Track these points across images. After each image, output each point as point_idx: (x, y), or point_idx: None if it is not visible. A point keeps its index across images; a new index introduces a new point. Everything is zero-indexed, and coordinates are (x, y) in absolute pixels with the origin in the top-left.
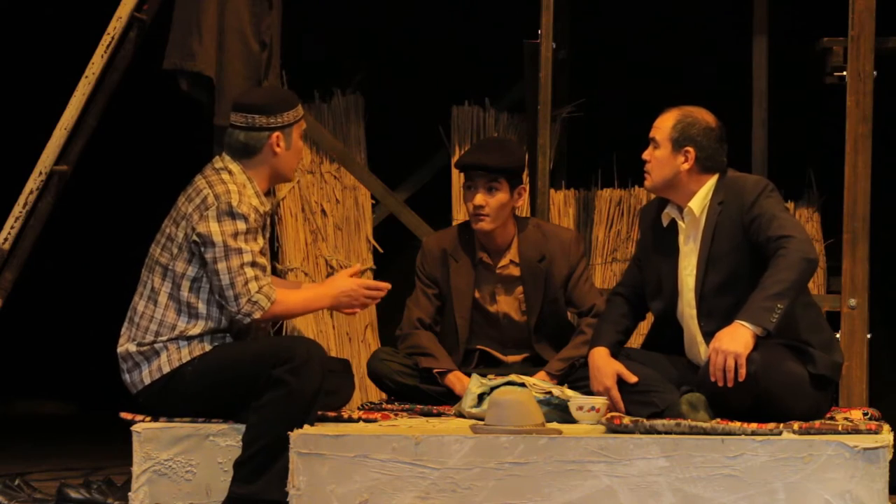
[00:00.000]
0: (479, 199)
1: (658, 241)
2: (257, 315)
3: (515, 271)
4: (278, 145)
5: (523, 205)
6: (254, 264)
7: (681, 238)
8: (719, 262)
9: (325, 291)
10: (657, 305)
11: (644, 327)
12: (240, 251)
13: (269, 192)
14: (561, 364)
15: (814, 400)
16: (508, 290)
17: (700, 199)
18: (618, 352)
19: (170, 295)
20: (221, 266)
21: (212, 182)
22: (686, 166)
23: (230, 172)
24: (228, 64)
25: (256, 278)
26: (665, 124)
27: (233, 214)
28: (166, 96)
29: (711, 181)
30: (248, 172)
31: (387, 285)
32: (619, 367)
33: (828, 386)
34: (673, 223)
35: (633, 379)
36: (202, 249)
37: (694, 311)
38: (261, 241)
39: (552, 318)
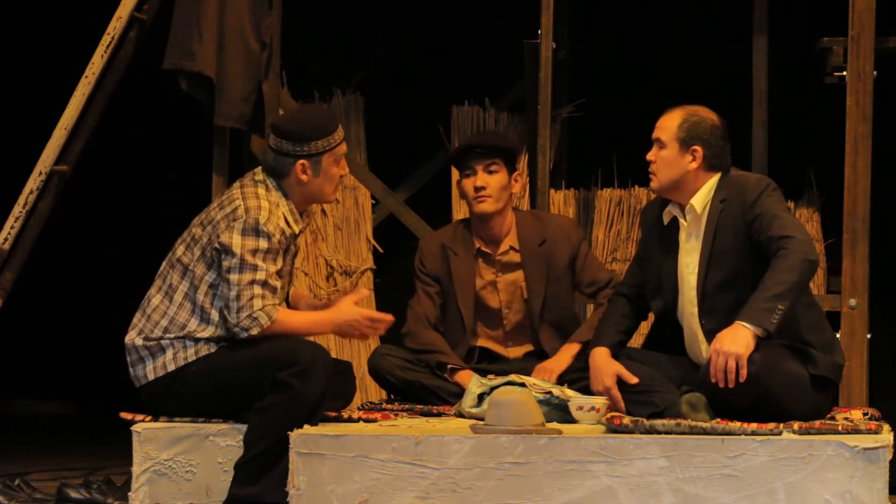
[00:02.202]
0: (481, 179)
1: (659, 240)
2: (255, 331)
3: (516, 257)
4: (304, 173)
5: (519, 191)
6: (265, 284)
7: (682, 236)
8: (721, 259)
9: (328, 317)
10: (658, 304)
11: (644, 327)
12: (255, 268)
13: (304, 212)
14: (590, 333)
15: (814, 401)
16: (509, 278)
17: (702, 197)
18: (619, 352)
19: (186, 295)
20: (234, 277)
21: (246, 195)
22: (694, 165)
23: (266, 188)
24: (228, 64)
25: (263, 297)
26: (670, 124)
27: (257, 231)
28: (166, 96)
29: (714, 179)
30: (284, 191)
31: (389, 318)
32: (619, 367)
33: (828, 387)
34: (674, 221)
35: (633, 380)
36: (221, 257)
37: (695, 310)
38: (280, 262)
39: (555, 302)
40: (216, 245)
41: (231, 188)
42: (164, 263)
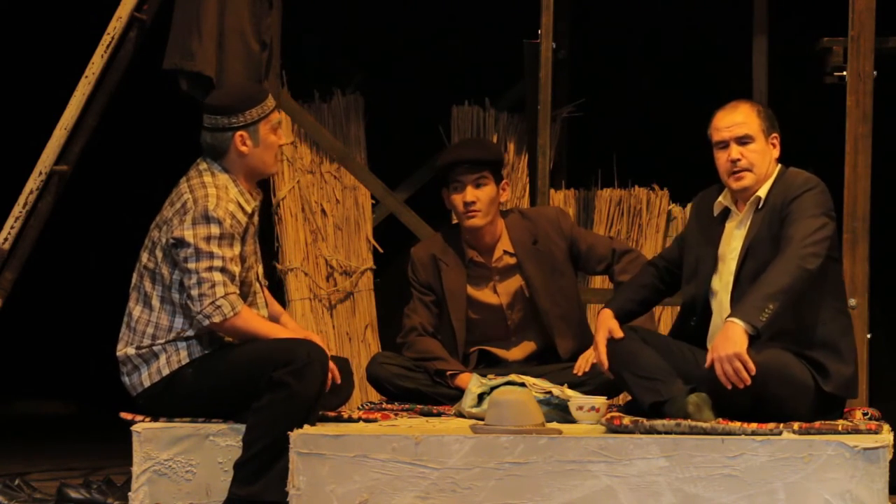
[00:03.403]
0: (471, 194)
1: (705, 228)
2: (217, 319)
3: (511, 260)
4: (244, 144)
5: (507, 199)
6: (223, 270)
7: (732, 224)
8: (758, 249)
9: (290, 328)
10: (689, 290)
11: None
12: (211, 255)
13: (259, 188)
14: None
15: (818, 407)
16: (508, 279)
17: (766, 188)
18: (625, 319)
19: (162, 298)
20: (191, 265)
21: (193, 186)
22: (776, 154)
23: (212, 174)
24: (228, 64)
25: (224, 284)
26: (749, 117)
27: (208, 218)
28: (166, 96)
29: (776, 171)
30: (229, 172)
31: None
32: (613, 325)
33: (840, 404)
34: (723, 212)
35: (618, 334)
36: (176, 251)
37: (729, 297)
38: (237, 247)
39: (561, 294)
40: (171, 241)
41: (178, 184)
42: (134, 275)
